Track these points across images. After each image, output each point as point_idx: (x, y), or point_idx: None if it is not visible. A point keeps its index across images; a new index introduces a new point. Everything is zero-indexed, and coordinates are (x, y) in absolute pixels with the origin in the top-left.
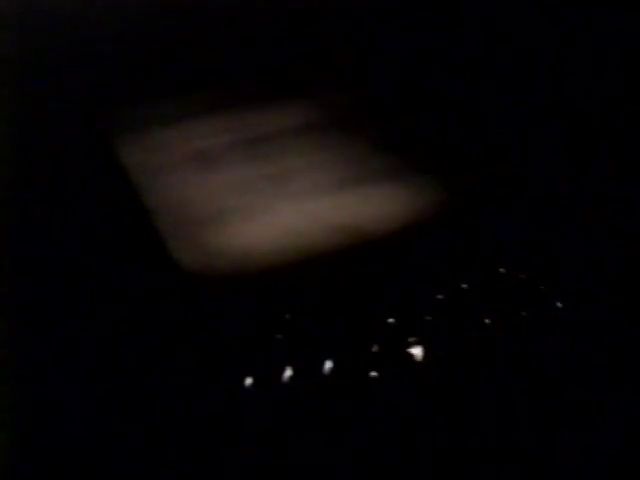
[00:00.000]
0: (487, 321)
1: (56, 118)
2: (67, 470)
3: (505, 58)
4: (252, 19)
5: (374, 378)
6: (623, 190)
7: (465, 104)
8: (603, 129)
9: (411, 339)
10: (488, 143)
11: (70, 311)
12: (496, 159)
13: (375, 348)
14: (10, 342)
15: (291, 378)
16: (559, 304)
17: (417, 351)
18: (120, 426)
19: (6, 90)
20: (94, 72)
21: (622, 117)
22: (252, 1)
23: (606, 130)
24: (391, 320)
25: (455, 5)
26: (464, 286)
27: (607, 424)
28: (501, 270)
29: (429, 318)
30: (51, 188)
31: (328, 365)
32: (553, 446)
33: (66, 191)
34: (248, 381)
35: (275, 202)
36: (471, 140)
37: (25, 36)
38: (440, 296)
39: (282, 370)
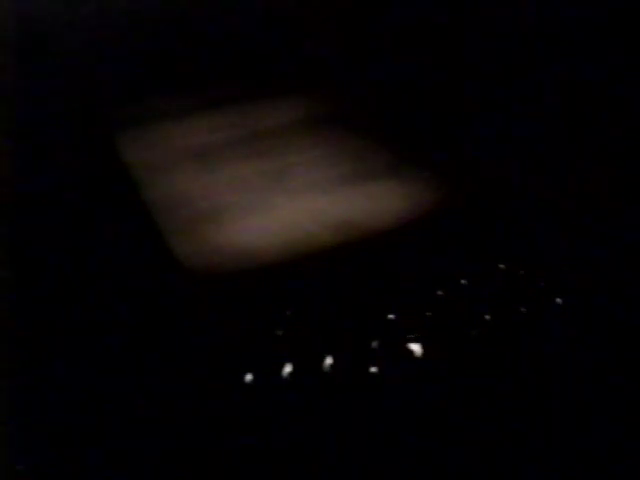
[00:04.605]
0: (487, 317)
1: (57, 115)
2: (66, 469)
3: (505, 56)
4: (252, 17)
5: (374, 374)
6: (622, 188)
7: (466, 101)
8: (603, 129)
9: (411, 335)
10: (488, 139)
11: (70, 307)
12: (496, 156)
13: (375, 344)
14: (10, 340)
15: (291, 374)
16: (559, 300)
17: (417, 347)
18: (120, 425)
19: (7, 88)
20: (94, 69)
21: (622, 119)
22: (252, 1)
23: (606, 130)
24: (391, 316)
25: (454, 3)
26: (464, 282)
27: (607, 421)
28: (501, 266)
29: (429, 314)
30: (52, 185)
31: (328, 361)
32: (552, 443)
33: (66, 187)
34: (248, 377)
35: (275, 198)
36: (471, 136)
37: (25, 35)
38: (440, 292)
39: (282, 366)
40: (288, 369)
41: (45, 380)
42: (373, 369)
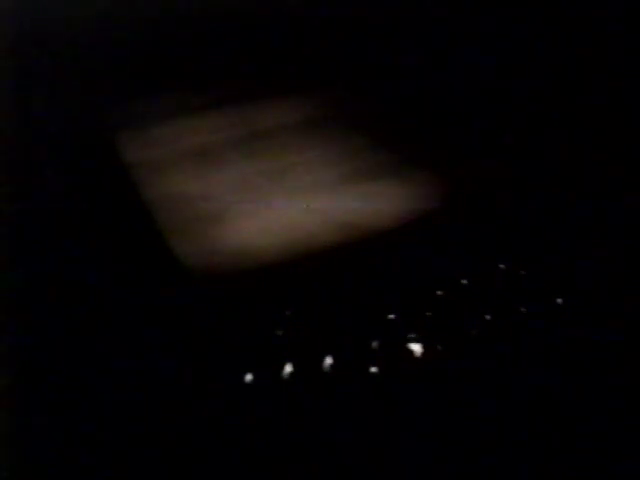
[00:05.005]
0: (487, 317)
1: (56, 114)
2: (66, 469)
3: (502, 55)
4: (251, 17)
5: (374, 374)
6: (622, 188)
7: (466, 100)
8: (602, 128)
9: (411, 335)
10: (488, 138)
11: (70, 308)
12: (496, 155)
13: (375, 344)
14: (10, 339)
15: (291, 374)
16: (559, 300)
17: (417, 347)
18: (120, 425)
19: (7, 88)
20: (94, 69)
21: (622, 118)
22: (252, 1)
23: (605, 130)
24: (391, 316)
25: (454, 3)
26: (464, 282)
27: (607, 421)
28: (501, 266)
29: (429, 314)
30: (51, 184)
31: (328, 361)
32: (552, 443)
33: (66, 187)
34: (248, 377)
35: (275, 198)
36: (471, 135)
37: (25, 34)
38: (440, 292)
39: (282, 366)
40: (288, 369)
41: (45, 381)
42: (373, 369)
